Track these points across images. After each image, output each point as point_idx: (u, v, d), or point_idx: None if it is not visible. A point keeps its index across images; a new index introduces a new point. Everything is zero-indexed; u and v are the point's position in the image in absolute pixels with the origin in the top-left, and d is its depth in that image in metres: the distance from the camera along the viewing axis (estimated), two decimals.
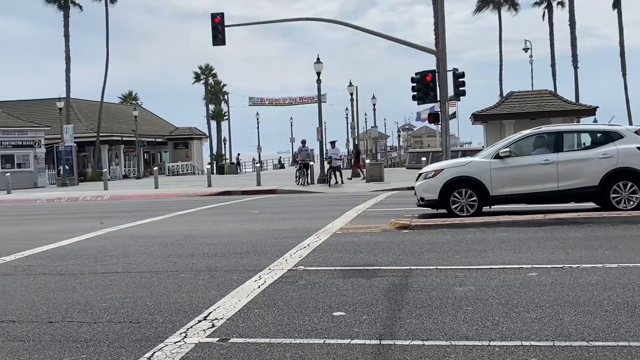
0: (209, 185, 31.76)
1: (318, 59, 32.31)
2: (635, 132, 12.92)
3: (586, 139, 13.65)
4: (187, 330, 5.77)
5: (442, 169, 13.43)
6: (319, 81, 32.29)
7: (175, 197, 27.59)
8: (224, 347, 5.24)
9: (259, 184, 30.66)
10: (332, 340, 5.28)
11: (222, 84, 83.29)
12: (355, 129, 41.86)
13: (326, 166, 31.52)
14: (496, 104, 33.86)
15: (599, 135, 13.19)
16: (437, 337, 5.25)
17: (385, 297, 6.68)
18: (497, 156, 13.02)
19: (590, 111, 31.81)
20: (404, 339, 5.25)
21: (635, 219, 11.17)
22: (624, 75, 55.75)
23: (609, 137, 12.84)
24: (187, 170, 64.12)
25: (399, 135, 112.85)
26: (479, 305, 6.18)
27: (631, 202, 12.44)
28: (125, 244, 11.71)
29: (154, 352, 5.18)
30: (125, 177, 58.72)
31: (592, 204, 13.54)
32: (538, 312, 5.86)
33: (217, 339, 5.48)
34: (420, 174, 13.95)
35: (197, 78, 79.49)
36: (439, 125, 32.85)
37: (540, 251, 9.08)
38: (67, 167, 44.28)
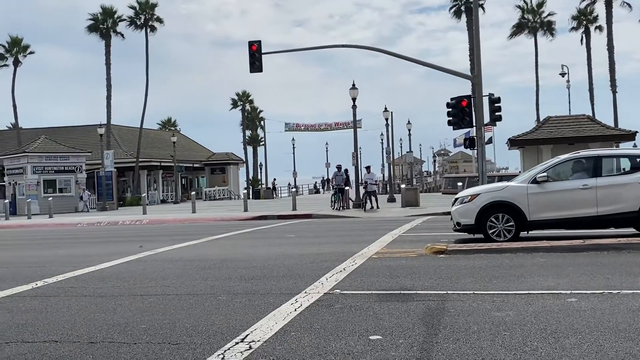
0: (245, 209, 32.04)
1: (353, 84, 32.55)
2: None
3: (625, 163, 13.44)
4: (225, 352, 5.83)
5: (479, 194, 13.36)
6: (354, 107, 32.50)
7: (212, 221, 27.88)
8: None
9: (294, 208, 30.82)
10: None
11: (258, 110, 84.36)
12: (391, 154, 41.83)
13: (361, 191, 31.56)
14: (533, 128, 33.58)
15: (638, 159, 12.99)
16: None
17: (422, 322, 6.66)
18: (535, 181, 12.90)
19: (630, 136, 31.32)
20: None
21: None
22: None
23: None
24: (223, 195, 64.74)
25: (434, 161, 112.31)
26: (517, 331, 6.12)
27: None
28: (163, 267, 11.87)
29: None
30: (163, 201, 59.54)
31: (632, 230, 13.29)
32: (577, 337, 5.78)
33: None
34: (456, 199, 13.89)
35: (235, 104, 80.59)
36: (475, 150, 32.61)
37: (579, 277, 8.95)
38: (83, 196, 44.82)
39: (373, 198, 30.84)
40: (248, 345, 5.99)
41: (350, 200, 31.71)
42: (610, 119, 50.83)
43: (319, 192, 77.10)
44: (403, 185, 37.17)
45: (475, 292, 8.11)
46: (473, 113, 27.23)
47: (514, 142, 31.83)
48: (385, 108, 40.71)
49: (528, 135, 32.39)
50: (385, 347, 5.76)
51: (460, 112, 27.11)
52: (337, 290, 8.58)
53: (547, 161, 13.73)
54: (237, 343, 6.09)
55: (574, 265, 9.90)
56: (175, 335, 6.51)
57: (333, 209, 30.78)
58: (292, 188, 48.17)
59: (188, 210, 34.68)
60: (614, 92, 55.26)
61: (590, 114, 42.76)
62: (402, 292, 8.34)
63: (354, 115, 32.86)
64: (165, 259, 13.11)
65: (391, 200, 37.39)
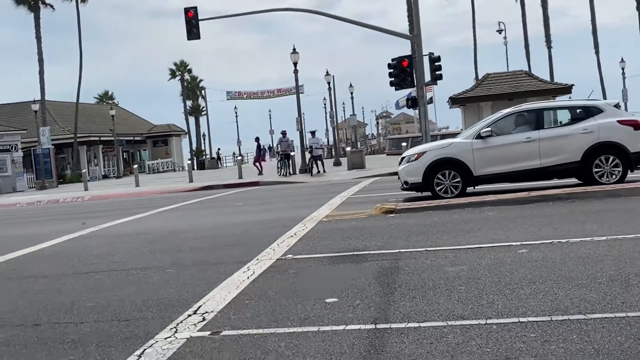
0: (191, 180, 31.55)
1: (294, 49, 32.15)
2: (615, 106, 12.95)
3: (567, 115, 13.64)
4: (178, 325, 5.64)
5: (425, 152, 13.38)
6: (296, 71, 32.13)
7: (157, 194, 27.32)
8: (216, 341, 5.13)
9: (240, 177, 30.49)
10: (326, 327, 5.18)
11: (198, 79, 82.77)
12: (334, 118, 41.71)
13: (307, 156, 31.43)
14: (473, 86, 33.97)
15: (579, 110, 13.20)
16: (433, 318, 5.17)
17: (377, 281, 6.60)
18: (479, 136, 12.99)
19: (566, 89, 31.98)
20: (399, 321, 5.17)
21: (619, 193, 11.21)
22: (597, 52, 56.26)
23: (589, 112, 12.86)
24: (167, 167, 63.68)
25: (377, 123, 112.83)
26: (472, 285, 6.12)
27: (613, 176, 12.48)
28: (108, 242, 11.52)
29: (145, 350, 5.05)
30: (105, 177, 58.20)
31: (574, 180, 13.57)
32: (532, 287, 5.81)
33: (209, 332, 5.36)
34: (402, 158, 13.89)
35: (173, 74, 78.86)
36: (417, 111, 32.70)
37: (527, 228, 9.06)
38: None
39: (319, 162, 30.77)
40: (201, 317, 5.82)
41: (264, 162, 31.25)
42: (546, 75, 51.89)
43: (265, 160, 76.63)
44: (348, 148, 37.22)
45: (427, 249, 8.10)
46: (414, 73, 27.33)
47: (455, 100, 32.13)
48: (327, 72, 40.46)
49: (468, 93, 32.75)
50: (343, 309, 5.67)
51: (402, 72, 27.15)
52: (290, 256, 8.45)
53: (491, 116, 13.84)
54: (189, 315, 5.91)
55: (522, 217, 10.03)
56: (124, 311, 6.28)
57: (280, 175, 30.58)
58: (237, 157, 47.69)
59: (131, 185, 33.92)
60: (549, 47, 56.39)
61: (528, 70, 43.48)
62: (354, 253, 8.26)
63: (296, 79, 32.52)
64: (110, 235, 12.72)
65: (337, 164, 37.42)
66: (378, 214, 11.70)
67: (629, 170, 12.58)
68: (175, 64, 78.75)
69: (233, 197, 21.20)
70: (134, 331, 5.57)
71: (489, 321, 4.98)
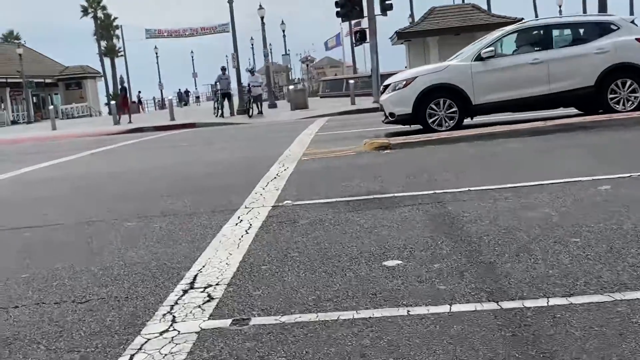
0: (116, 123, 28.66)
1: None
2: (632, 22, 11.40)
3: (578, 32, 11.91)
4: (172, 308, 3.62)
5: (416, 77, 11.42)
6: (230, 1, 29.24)
7: (80, 137, 24.38)
8: (248, 336, 3.13)
9: (172, 118, 27.84)
10: (420, 309, 3.28)
11: (113, 17, 77.17)
12: (269, 57, 39.05)
13: (245, 96, 28.95)
14: (419, 20, 32.33)
15: (592, 27, 11.49)
16: (583, 290, 3.37)
17: (442, 233, 4.73)
18: (479, 58, 11.17)
19: (515, 23, 30.74)
20: (530, 297, 3.32)
21: None
22: None
23: (603, 29, 11.21)
24: (82, 112, 59.39)
25: (307, 66, 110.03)
26: (587, 235, 4.34)
27: (630, 103, 11.00)
28: (35, 189, 9.19)
29: (132, 356, 3.03)
30: (15, 122, 53.75)
31: (573, 110, 12.07)
32: None
33: (230, 320, 3.36)
34: (387, 86, 11.93)
35: (85, 12, 73.11)
36: (342, 54, 30.26)
37: (579, 160, 7.38)
38: None
39: (258, 103, 28.39)
40: (205, 294, 3.81)
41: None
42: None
43: (188, 104, 73.11)
44: (292, 87, 35.03)
45: (470, 188, 6.28)
46: (364, 2, 25.31)
47: (401, 35, 30.39)
48: (260, 5, 37.55)
49: (414, 28, 31.14)
50: (422, 277, 3.78)
51: (349, 1, 25.11)
52: (288, 201, 6.46)
53: (492, 33, 12.01)
54: (185, 291, 3.89)
55: (561, 148, 8.35)
56: (79, 287, 4.20)
57: (217, 116, 28.04)
58: (157, 100, 44.35)
59: (47, 129, 30.64)
60: None
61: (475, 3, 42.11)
62: (376, 196, 6.35)
63: (231, 11, 29.60)
64: (35, 180, 10.33)
65: (272, 106, 35.06)
66: (369, 150, 9.75)
67: None
68: (87, 0, 73.03)
69: (174, 138, 18.80)
70: (105, 320, 3.54)
71: None
